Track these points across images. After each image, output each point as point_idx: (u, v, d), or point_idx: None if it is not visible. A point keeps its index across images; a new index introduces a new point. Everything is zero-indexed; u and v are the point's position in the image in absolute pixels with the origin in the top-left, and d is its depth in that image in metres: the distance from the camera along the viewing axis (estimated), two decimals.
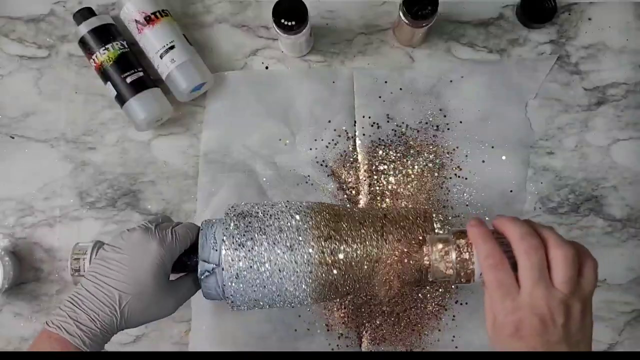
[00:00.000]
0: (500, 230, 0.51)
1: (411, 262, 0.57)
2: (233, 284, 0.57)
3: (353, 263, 0.58)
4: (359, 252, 0.57)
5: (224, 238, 0.57)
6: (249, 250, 0.57)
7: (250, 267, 0.57)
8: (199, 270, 0.58)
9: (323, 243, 0.57)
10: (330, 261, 0.57)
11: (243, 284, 0.57)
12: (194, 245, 0.60)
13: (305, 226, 0.58)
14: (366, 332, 0.74)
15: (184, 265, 0.60)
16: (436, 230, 0.59)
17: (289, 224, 0.58)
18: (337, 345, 0.74)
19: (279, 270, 0.57)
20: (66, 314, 0.53)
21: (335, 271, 0.57)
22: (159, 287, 0.56)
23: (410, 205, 0.73)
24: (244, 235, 0.58)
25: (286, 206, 0.61)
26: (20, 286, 0.76)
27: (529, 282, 0.47)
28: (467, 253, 0.53)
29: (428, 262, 0.55)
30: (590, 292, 0.48)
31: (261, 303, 0.59)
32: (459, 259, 0.53)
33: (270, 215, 0.59)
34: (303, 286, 0.57)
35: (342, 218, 0.59)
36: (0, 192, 0.78)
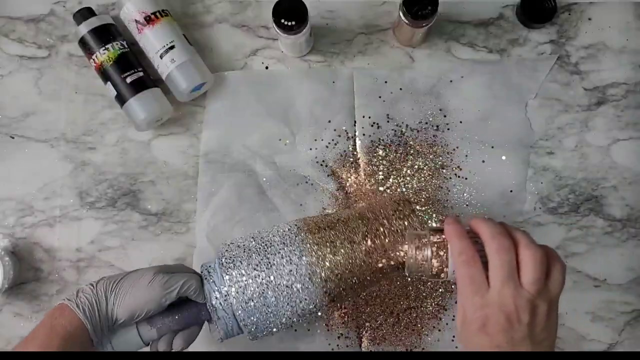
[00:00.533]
0: (475, 230, 0.52)
1: (392, 255, 0.60)
2: (248, 318, 0.61)
3: (344, 267, 0.61)
4: (342, 258, 0.61)
5: (227, 283, 0.61)
6: (253, 281, 0.60)
7: (258, 294, 0.60)
8: (213, 321, 0.62)
9: (313, 255, 0.61)
10: (323, 269, 0.60)
11: (256, 315, 0.61)
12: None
13: (294, 243, 0.62)
14: (366, 332, 0.74)
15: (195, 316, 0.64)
16: (417, 225, 0.61)
17: (279, 247, 0.62)
18: (337, 345, 0.74)
19: (282, 286, 0.60)
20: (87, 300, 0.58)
21: (332, 277, 0.61)
22: (155, 303, 0.60)
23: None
24: (242, 269, 0.61)
25: (270, 232, 0.64)
26: (20, 286, 0.76)
27: (498, 280, 0.48)
28: (442, 250, 0.54)
29: (404, 257, 0.57)
30: (557, 294, 0.50)
31: (277, 324, 0.62)
32: (434, 255, 0.54)
33: (261, 244, 0.63)
34: (307, 297, 0.61)
35: (326, 227, 0.63)
36: (0, 192, 0.78)
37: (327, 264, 0.60)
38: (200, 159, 0.77)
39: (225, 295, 0.61)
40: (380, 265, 0.61)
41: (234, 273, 0.61)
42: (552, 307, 0.49)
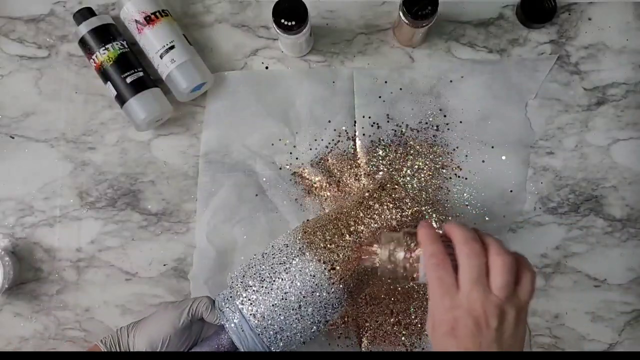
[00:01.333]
0: (448, 235, 0.52)
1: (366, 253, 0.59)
2: (275, 338, 0.62)
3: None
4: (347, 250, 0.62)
5: (246, 316, 0.62)
6: (269, 304, 0.61)
7: (279, 318, 0.61)
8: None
9: (315, 258, 0.61)
10: (327, 269, 0.61)
11: (282, 341, 0.62)
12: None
13: (293, 252, 0.63)
14: (366, 332, 0.74)
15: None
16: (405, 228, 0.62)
17: (281, 257, 0.63)
18: (337, 345, 0.74)
19: (297, 295, 0.61)
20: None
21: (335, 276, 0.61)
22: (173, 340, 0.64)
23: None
24: (252, 292, 0.62)
25: (272, 248, 0.65)
26: (20, 286, 0.76)
27: (467, 283, 0.48)
28: (415, 253, 0.54)
29: (377, 260, 0.57)
30: (526, 301, 0.50)
31: (299, 335, 0.63)
32: (406, 257, 0.54)
33: (265, 263, 0.64)
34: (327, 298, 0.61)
35: (321, 228, 0.64)
36: (0, 192, 0.78)
37: (336, 260, 0.61)
38: (200, 159, 0.77)
39: (243, 320, 0.62)
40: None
41: (246, 295, 0.62)
42: (521, 314, 0.49)
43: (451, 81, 0.78)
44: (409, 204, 0.64)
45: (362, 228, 0.63)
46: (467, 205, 0.76)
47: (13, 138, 0.79)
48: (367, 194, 0.66)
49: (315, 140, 0.77)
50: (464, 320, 0.48)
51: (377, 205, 0.64)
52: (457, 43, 0.79)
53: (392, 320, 0.74)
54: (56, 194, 0.77)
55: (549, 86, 0.78)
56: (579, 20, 0.79)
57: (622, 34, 0.78)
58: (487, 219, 0.75)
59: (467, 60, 0.78)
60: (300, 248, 0.62)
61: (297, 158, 0.77)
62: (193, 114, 0.78)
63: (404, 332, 0.74)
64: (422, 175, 0.76)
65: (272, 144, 0.77)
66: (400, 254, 0.54)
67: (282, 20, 0.69)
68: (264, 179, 0.77)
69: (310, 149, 0.77)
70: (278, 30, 0.71)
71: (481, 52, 0.79)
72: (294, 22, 0.69)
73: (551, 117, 0.77)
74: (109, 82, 0.74)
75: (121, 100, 0.74)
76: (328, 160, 0.77)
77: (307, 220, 0.69)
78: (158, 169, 0.78)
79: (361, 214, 0.64)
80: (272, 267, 0.62)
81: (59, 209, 0.77)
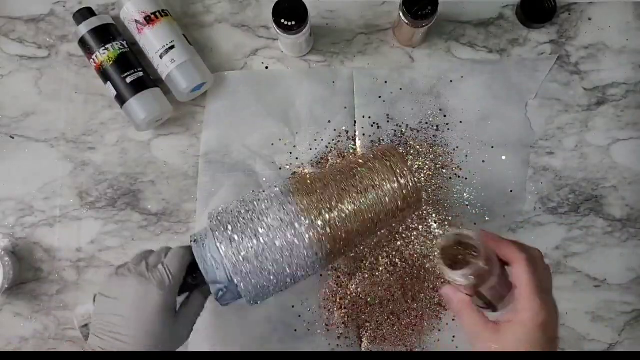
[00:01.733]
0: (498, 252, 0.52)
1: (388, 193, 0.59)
2: (247, 285, 0.57)
3: (342, 220, 0.59)
4: (344, 209, 0.59)
5: (221, 249, 0.57)
6: (247, 244, 0.57)
7: (254, 257, 0.57)
8: (212, 292, 0.59)
9: (307, 212, 0.58)
10: (320, 223, 0.58)
11: (254, 278, 0.57)
12: (191, 264, 0.59)
13: (285, 200, 0.59)
14: (366, 332, 0.74)
15: (189, 286, 0.60)
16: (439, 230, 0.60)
17: (269, 205, 0.59)
18: (337, 345, 0.74)
19: (280, 246, 0.57)
20: None
21: (328, 229, 0.59)
22: (169, 326, 0.56)
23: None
24: (235, 233, 0.58)
25: (261, 192, 0.62)
26: (20, 286, 0.76)
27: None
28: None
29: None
30: None
31: (273, 287, 0.59)
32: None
33: (250, 206, 0.60)
34: (304, 252, 0.58)
35: (316, 184, 0.61)
36: (0, 192, 0.78)
37: (322, 218, 0.58)
38: (200, 159, 0.77)
39: (220, 259, 0.58)
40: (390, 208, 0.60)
41: (226, 236, 0.58)
42: None
43: (451, 81, 0.78)
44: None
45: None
46: (467, 205, 0.76)
47: (13, 138, 0.79)
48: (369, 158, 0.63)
49: (315, 140, 0.77)
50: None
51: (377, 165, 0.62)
52: (457, 43, 0.79)
53: (392, 320, 0.74)
54: (56, 194, 0.77)
55: (549, 86, 0.78)
56: (579, 20, 0.79)
57: (622, 34, 0.78)
58: (487, 219, 0.75)
59: (467, 60, 0.78)
60: (289, 202, 0.59)
61: (297, 158, 0.77)
62: (193, 114, 0.78)
63: (404, 332, 0.74)
64: (422, 175, 0.76)
65: (272, 144, 0.77)
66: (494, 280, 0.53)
67: (282, 20, 0.69)
68: (264, 179, 0.77)
69: (310, 149, 0.77)
70: (278, 30, 0.71)
71: (481, 52, 0.79)
72: (294, 22, 0.69)
73: (551, 117, 0.77)
74: (109, 82, 0.74)
75: (121, 100, 0.74)
76: (328, 160, 0.77)
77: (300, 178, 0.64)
78: (158, 169, 0.78)
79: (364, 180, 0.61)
80: (257, 217, 0.59)
81: (59, 209, 0.77)
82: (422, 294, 0.74)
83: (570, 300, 0.75)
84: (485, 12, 0.79)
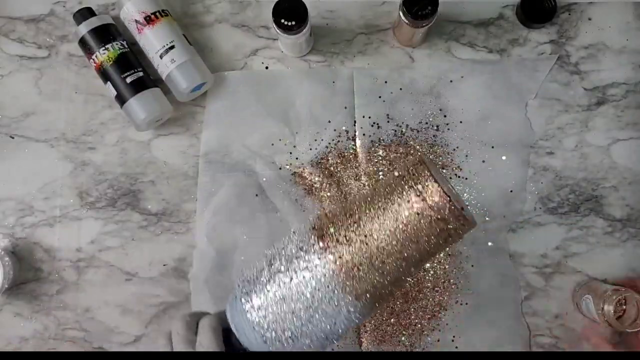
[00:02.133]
0: None
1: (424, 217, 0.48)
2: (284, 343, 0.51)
3: (364, 252, 0.49)
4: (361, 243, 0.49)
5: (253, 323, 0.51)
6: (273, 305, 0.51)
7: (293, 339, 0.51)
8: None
9: (325, 252, 0.50)
10: (339, 264, 0.49)
11: (289, 347, 0.51)
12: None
13: (304, 250, 0.51)
14: (366, 332, 0.74)
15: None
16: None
17: (289, 257, 0.51)
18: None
19: (308, 299, 0.50)
20: None
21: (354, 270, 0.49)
22: None
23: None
24: (259, 297, 0.52)
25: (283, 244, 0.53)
26: (20, 286, 0.76)
27: None
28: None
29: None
30: None
31: (310, 341, 0.53)
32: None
33: (270, 266, 0.52)
34: (335, 295, 0.50)
35: (334, 219, 0.51)
36: (0, 192, 0.78)
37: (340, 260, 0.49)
38: (200, 159, 0.77)
39: (252, 326, 0.51)
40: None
41: (253, 298, 0.52)
42: None
43: (451, 81, 0.78)
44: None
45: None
46: (467, 205, 0.75)
47: (13, 138, 0.79)
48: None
49: (315, 140, 0.77)
50: None
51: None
52: (457, 43, 0.79)
53: (392, 320, 0.74)
54: (56, 194, 0.77)
55: (549, 86, 0.78)
56: (579, 20, 0.79)
57: (622, 34, 0.78)
58: (487, 219, 0.75)
59: (467, 60, 0.78)
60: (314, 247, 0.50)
61: (297, 158, 0.77)
62: (193, 114, 0.78)
63: (404, 332, 0.74)
64: None
65: (272, 144, 0.77)
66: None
67: (282, 20, 0.69)
68: (264, 179, 0.77)
69: (310, 149, 0.77)
70: (278, 30, 0.71)
71: (481, 52, 0.79)
72: (294, 22, 0.69)
73: (551, 117, 0.77)
74: (109, 82, 0.74)
75: (121, 100, 0.74)
76: (328, 160, 0.77)
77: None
78: (158, 169, 0.78)
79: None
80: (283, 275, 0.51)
81: (59, 209, 0.77)
82: (422, 294, 0.74)
83: (570, 300, 0.75)
84: (485, 12, 0.79)
